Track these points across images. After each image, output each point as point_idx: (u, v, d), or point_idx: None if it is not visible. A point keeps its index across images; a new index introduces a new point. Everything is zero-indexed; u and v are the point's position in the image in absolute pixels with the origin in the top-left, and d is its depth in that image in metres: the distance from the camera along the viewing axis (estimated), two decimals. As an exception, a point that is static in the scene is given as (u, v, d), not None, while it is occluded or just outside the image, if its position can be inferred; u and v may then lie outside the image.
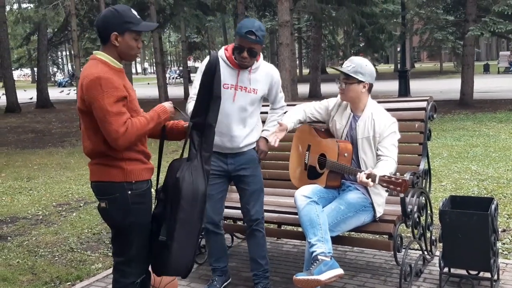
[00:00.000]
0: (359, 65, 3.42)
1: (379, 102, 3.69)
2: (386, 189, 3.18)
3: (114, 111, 2.54)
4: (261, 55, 3.53)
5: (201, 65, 3.30)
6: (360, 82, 3.41)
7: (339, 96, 3.59)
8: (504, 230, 4.71)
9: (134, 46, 2.70)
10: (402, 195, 3.26)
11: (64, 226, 5.72)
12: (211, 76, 2.83)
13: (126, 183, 2.66)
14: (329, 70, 35.66)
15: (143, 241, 2.80)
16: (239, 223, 4.22)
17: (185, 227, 2.74)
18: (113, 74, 2.60)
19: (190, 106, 3.36)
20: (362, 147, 3.46)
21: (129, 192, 2.67)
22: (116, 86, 2.56)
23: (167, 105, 2.83)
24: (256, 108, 3.56)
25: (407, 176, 3.31)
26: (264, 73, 3.51)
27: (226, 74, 3.38)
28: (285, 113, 3.72)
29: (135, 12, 2.70)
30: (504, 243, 4.41)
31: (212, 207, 3.57)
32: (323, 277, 3.04)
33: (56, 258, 4.74)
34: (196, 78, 3.36)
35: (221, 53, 3.45)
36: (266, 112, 3.77)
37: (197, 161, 2.81)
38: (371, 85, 3.48)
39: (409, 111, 3.98)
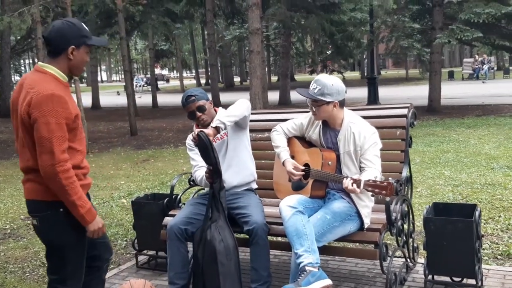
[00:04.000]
0: (324, 86, 3.34)
1: (361, 109, 3.65)
2: (371, 193, 3.14)
3: (58, 135, 2.45)
4: (220, 108, 3.84)
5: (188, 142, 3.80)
6: (329, 102, 3.36)
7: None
8: (482, 236, 4.73)
9: (86, 60, 2.66)
10: (388, 199, 3.23)
11: (34, 240, 5.50)
12: (205, 149, 3.33)
13: (58, 201, 2.53)
14: (298, 78, 35.84)
15: (79, 260, 2.68)
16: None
17: (227, 278, 3.26)
18: (64, 91, 2.53)
19: (197, 174, 3.79)
20: (344, 161, 3.41)
21: (61, 209, 2.55)
22: (67, 107, 2.49)
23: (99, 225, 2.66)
24: (238, 146, 3.74)
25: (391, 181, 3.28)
26: None
27: None
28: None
29: (86, 27, 2.67)
30: (484, 249, 4.43)
31: (181, 216, 3.56)
32: (311, 288, 2.97)
33: (27, 274, 4.54)
34: (191, 154, 3.84)
35: (194, 129, 3.75)
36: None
37: (221, 221, 3.36)
38: (342, 101, 3.41)
39: (390, 118, 3.96)
